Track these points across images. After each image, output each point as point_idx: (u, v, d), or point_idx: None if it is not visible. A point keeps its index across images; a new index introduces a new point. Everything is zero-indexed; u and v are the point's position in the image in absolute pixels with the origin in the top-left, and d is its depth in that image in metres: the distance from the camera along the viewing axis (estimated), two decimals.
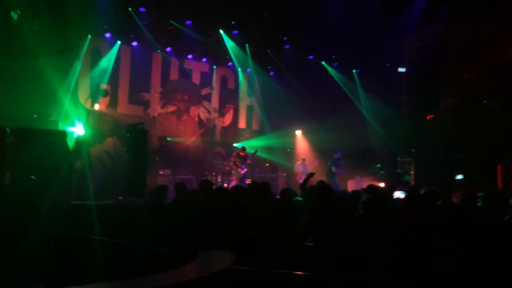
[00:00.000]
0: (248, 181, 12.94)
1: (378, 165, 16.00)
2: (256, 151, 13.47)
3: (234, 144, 15.07)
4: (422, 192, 6.85)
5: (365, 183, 12.91)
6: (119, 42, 12.95)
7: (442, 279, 3.22)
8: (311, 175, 7.13)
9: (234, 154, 12.96)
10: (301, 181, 13.45)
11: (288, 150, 16.57)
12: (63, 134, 9.49)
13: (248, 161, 12.73)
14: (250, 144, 15.07)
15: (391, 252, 3.88)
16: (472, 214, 4.85)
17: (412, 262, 3.54)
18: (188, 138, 14.75)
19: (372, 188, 6.12)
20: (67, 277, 4.23)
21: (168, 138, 13.68)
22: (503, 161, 11.70)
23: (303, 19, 13.88)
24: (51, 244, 5.11)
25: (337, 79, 16.52)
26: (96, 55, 12.66)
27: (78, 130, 11.21)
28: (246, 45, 15.21)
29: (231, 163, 12.78)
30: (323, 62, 16.50)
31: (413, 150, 14.75)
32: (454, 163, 13.91)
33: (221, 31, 14.18)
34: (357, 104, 16.59)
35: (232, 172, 12.71)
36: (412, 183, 14.45)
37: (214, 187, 7.65)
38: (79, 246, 5.01)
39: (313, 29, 14.11)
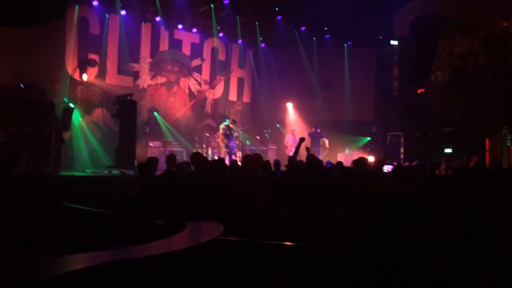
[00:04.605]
0: (239, 153, 12.98)
1: (368, 139, 16.11)
2: (234, 121, 13.13)
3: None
4: (413, 164, 6.91)
5: (355, 156, 13.00)
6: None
7: (428, 249, 3.27)
8: (302, 139, 6.79)
9: (223, 126, 12.82)
10: (291, 153, 13.58)
11: (278, 125, 16.53)
12: (51, 104, 9.37)
13: (234, 132, 12.65)
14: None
15: (379, 223, 3.92)
16: (461, 187, 4.91)
17: (400, 233, 3.59)
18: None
19: (361, 161, 6.13)
20: (56, 246, 4.24)
21: (155, 113, 13.48)
22: (492, 135, 11.83)
23: None
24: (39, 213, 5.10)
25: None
26: (84, 24, 12.37)
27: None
28: (237, 17, 15.01)
29: (221, 136, 12.73)
30: (314, 38, 16.35)
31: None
32: (444, 137, 14.04)
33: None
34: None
35: (220, 144, 12.69)
36: (402, 156, 14.60)
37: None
38: (68, 216, 5.01)
39: (306, 1, 13.91)
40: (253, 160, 5.71)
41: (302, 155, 6.72)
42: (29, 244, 4.40)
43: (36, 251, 4.12)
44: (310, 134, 14.18)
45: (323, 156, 13.62)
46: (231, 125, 12.62)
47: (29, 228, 4.85)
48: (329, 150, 14.44)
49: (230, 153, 12.46)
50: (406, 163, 12.91)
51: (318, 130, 14.30)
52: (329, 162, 8.65)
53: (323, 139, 14.20)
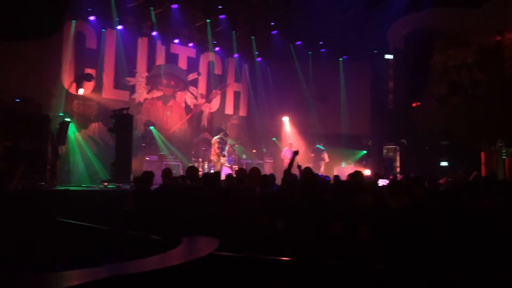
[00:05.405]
0: (235, 167, 12.94)
1: (364, 152, 16.14)
2: (226, 134, 13.17)
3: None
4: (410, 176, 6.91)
5: (351, 170, 13.02)
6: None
7: (425, 263, 3.26)
8: (296, 153, 6.87)
9: (216, 139, 12.73)
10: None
11: (274, 139, 16.52)
12: (47, 119, 9.37)
13: (227, 145, 12.62)
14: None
15: (375, 237, 3.91)
16: (458, 200, 4.90)
17: (396, 247, 3.58)
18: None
19: (356, 175, 6.14)
20: (51, 262, 4.21)
21: (151, 127, 13.49)
22: (487, 148, 11.89)
23: (291, 5, 13.80)
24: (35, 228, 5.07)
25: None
26: (80, 39, 12.42)
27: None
28: (233, 32, 15.12)
29: (217, 149, 12.67)
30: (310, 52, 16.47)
31: (403, 140, 14.82)
32: (440, 150, 14.08)
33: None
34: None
35: (213, 158, 12.62)
36: (398, 169, 14.62)
37: (200, 173, 7.63)
38: (64, 231, 4.99)
39: (301, 15, 14.03)
40: (250, 174, 5.70)
41: (295, 169, 6.75)
42: (24, 260, 4.36)
43: (31, 267, 4.09)
44: (313, 150, 14.31)
45: (322, 170, 13.67)
46: (224, 138, 12.61)
47: (24, 244, 4.81)
48: (326, 164, 14.48)
49: (229, 165, 12.46)
50: (399, 176, 12.95)
51: (321, 145, 14.51)
52: (326, 177, 8.63)
53: (324, 153, 14.30)
